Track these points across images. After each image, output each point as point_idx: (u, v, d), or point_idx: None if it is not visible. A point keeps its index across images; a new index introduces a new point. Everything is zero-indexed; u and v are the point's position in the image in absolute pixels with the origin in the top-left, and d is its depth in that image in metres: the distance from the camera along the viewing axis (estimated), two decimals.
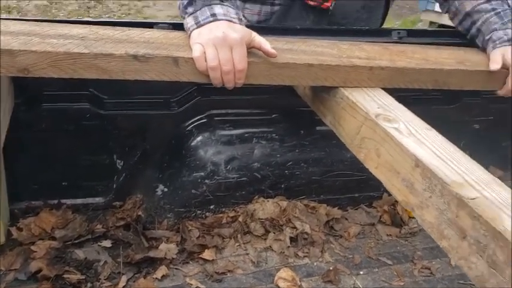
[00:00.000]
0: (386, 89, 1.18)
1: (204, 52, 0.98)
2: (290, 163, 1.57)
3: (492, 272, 0.76)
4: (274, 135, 1.55)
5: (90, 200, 1.54)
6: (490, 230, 0.76)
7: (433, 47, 1.38)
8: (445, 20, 6.20)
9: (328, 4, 1.42)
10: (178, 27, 1.15)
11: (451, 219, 0.84)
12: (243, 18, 1.10)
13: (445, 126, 1.48)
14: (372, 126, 1.05)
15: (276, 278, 1.38)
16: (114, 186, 1.53)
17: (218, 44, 0.97)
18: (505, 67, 1.25)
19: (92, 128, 1.42)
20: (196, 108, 1.48)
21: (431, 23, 6.62)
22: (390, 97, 1.15)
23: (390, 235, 1.61)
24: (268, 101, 1.52)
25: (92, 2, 6.47)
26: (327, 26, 1.47)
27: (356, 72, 1.14)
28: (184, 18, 1.09)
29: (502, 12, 1.32)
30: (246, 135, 1.52)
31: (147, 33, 1.10)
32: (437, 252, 1.55)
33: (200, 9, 1.04)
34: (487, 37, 1.32)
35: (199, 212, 1.53)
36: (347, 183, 1.66)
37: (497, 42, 1.27)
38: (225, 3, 1.06)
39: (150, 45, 1.01)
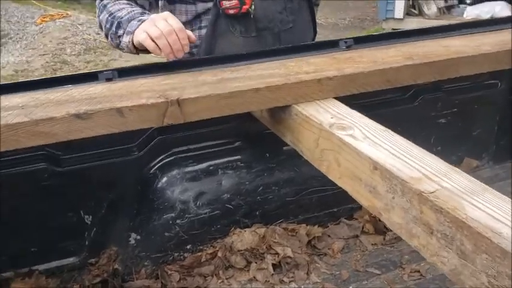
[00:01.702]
0: (342, 98, 1.17)
1: (148, 34, 1.16)
2: (261, 188, 1.54)
3: (463, 264, 0.74)
4: (239, 163, 1.53)
5: (63, 262, 1.48)
6: (453, 220, 0.74)
7: (379, 47, 1.38)
8: (407, 25, 6.39)
9: (246, 6, 1.44)
10: (124, 73, 1.15)
11: (417, 216, 0.82)
12: None
13: (412, 124, 1.49)
14: (328, 136, 1.04)
15: None
16: (86, 243, 1.48)
17: (155, 22, 1.17)
18: None
19: (53, 188, 1.38)
20: (157, 149, 1.46)
21: (393, 30, 6.76)
22: (343, 105, 1.14)
23: (375, 244, 1.58)
24: (229, 130, 1.50)
25: (58, 64, 6.49)
26: (256, 33, 1.50)
27: (306, 87, 1.14)
28: (120, 43, 1.29)
29: None
30: (211, 167, 1.49)
31: (90, 89, 1.08)
32: None
33: (127, 25, 1.26)
34: None
35: (176, 254, 1.49)
36: (323, 199, 1.63)
37: None
38: (145, 14, 1.29)
39: (93, 100, 1.00)
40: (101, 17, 1.39)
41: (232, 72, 1.18)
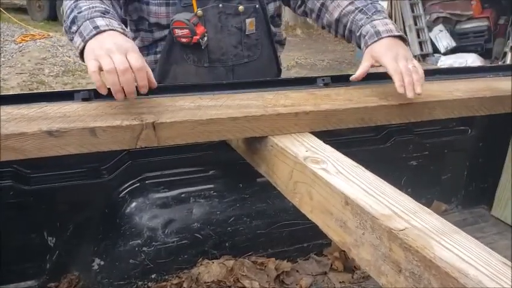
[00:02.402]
0: (317, 133, 1.18)
1: (99, 65, 0.98)
2: (232, 219, 1.52)
3: None
4: (212, 192, 1.51)
5: (21, 285, 1.42)
6: (421, 259, 0.74)
7: (357, 87, 1.41)
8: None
9: (196, 37, 1.44)
10: (101, 94, 1.13)
11: (385, 253, 0.82)
12: (127, 30, 1.13)
13: (384, 165, 1.50)
14: (301, 169, 1.04)
15: None
16: (48, 266, 1.43)
17: (112, 52, 0.99)
18: (376, 64, 1.29)
19: (18, 206, 1.34)
20: (128, 173, 1.43)
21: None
22: (318, 140, 1.15)
23: (343, 282, 1.56)
24: (203, 158, 1.49)
25: (35, 83, 6.40)
26: (208, 64, 1.52)
27: (283, 120, 1.15)
28: (72, 40, 1.11)
29: (364, 8, 1.38)
30: (183, 195, 1.47)
31: (66, 107, 1.07)
32: None
33: (82, 24, 1.07)
34: (358, 34, 1.37)
35: (140, 283, 1.44)
36: (294, 233, 1.62)
37: (367, 37, 1.31)
38: (106, 16, 1.10)
39: (66, 119, 0.99)
40: (66, 1, 1.21)
41: (211, 100, 1.18)
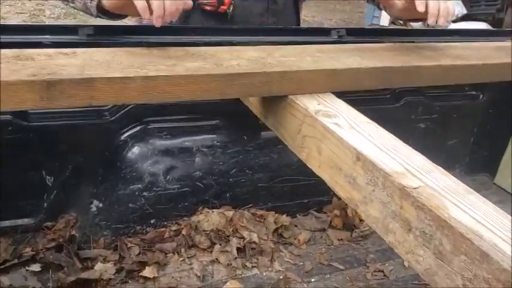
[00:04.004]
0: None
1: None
2: (234, 170, 1.50)
3: (439, 264, 0.72)
4: (216, 142, 1.48)
5: (18, 222, 1.40)
6: (434, 219, 0.72)
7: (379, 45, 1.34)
8: None
9: (224, 7, 1.36)
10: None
11: (395, 211, 0.80)
12: None
13: (392, 125, 1.46)
14: (311, 123, 1.00)
15: None
16: (45, 205, 1.41)
17: None
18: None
19: (16, 142, 1.30)
20: (131, 116, 1.39)
21: None
22: (331, 94, 1.11)
23: (341, 239, 1.56)
24: (207, 107, 1.44)
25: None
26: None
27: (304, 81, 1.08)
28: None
29: None
30: (186, 143, 1.44)
31: None
32: (390, 254, 1.51)
33: None
34: None
35: (138, 227, 1.43)
36: (295, 189, 1.60)
37: None
38: None
39: None
40: None
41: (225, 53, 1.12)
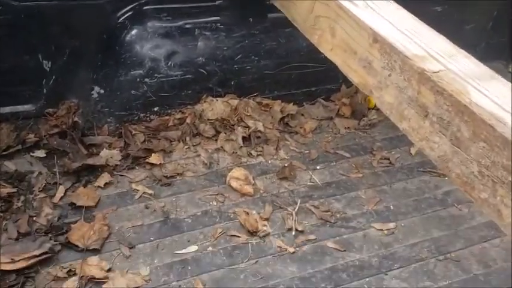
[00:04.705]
0: None
1: None
2: (239, 56, 1.43)
3: (455, 151, 0.69)
4: (219, 25, 1.39)
5: (19, 108, 1.37)
6: (454, 104, 0.67)
7: None
8: None
9: None
10: None
11: (412, 97, 0.75)
12: None
13: (409, 8, 1.36)
14: (325, 1, 0.92)
15: (228, 178, 1.30)
16: (44, 91, 1.37)
17: None
18: None
19: (7, 24, 1.22)
20: None
21: None
22: None
23: (348, 128, 1.54)
24: None
25: None
26: None
27: None
28: None
29: None
30: (187, 25, 1.36)
31: None
32: (396, 142, 1.50)
33: None
34: None
35: (142, 115, 1.40)
36: (303, 77, 1.54)
37: None
38: None
39: None
40: None
41: None
